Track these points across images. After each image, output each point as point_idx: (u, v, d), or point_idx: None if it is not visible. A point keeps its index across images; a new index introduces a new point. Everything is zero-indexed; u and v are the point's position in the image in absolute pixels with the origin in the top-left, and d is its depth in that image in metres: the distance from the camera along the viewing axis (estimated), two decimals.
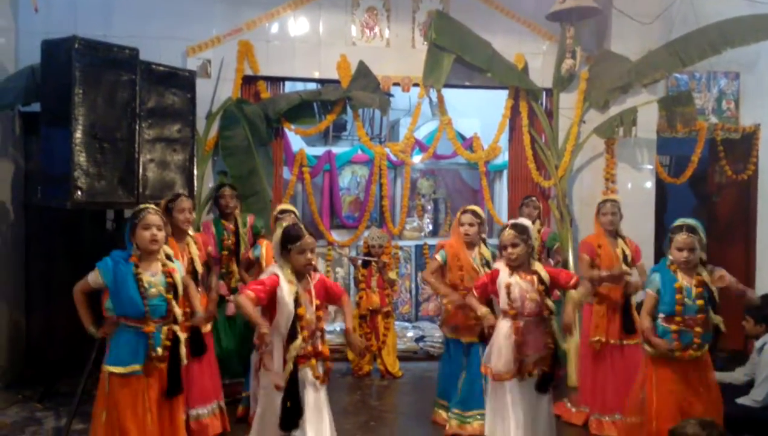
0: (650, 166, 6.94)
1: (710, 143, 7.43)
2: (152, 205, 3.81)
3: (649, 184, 6.95)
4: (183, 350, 3.74)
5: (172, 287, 3.71)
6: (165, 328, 3.66)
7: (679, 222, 4.06)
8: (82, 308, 3.69)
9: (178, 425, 3.84)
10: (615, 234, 5.22)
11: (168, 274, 3.72)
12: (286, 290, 3.59)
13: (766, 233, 7.43)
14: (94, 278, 3.61)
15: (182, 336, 3.77)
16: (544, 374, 4.04)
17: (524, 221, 4.22)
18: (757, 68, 7.34)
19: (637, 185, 6.93)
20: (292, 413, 3.53)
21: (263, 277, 3.71)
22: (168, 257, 3.80)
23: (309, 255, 3.64)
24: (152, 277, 3.67)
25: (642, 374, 4.20)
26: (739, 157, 7.45)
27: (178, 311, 3.72)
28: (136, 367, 3.57)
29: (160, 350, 3.62)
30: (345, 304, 3.91)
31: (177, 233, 4.61)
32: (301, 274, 3.69)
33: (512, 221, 4.26)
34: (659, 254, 6.68)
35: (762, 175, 7.41)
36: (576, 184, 7.10)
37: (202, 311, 4.15)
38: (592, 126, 6.87)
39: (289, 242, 3.64)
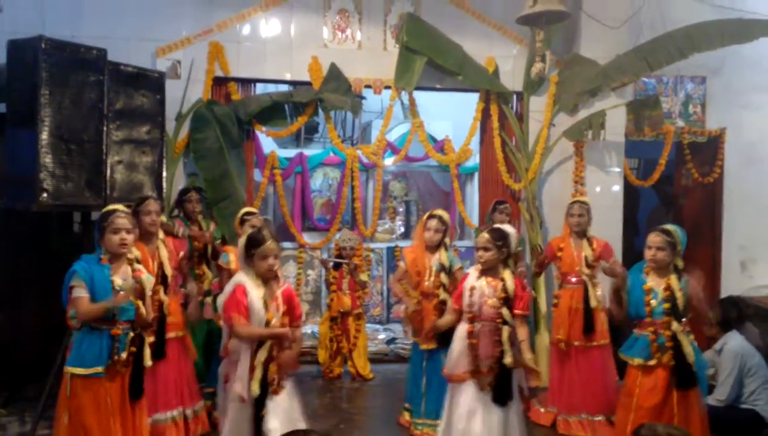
0: (618, 169, 7.02)
1: (677, 147, 7.54)
2: (121, 207, 3.75)
3: (617, 187, 7.02)
4: (147, 352, 3.72)
5: (140, 292, 3.68)
6: (131, 333, 3.63)
7: (660, 226, 4.16)
8: (96, 312, 3.51)
9: (143, 427, 3.80)
10: (582, 235, 5.32)
11: (137, 279, 3.69)
12: (255, 296, 3.62)
13: (731, 236, 7.56)
14: (79, 285, 3.50)
15: (147, 339, 3.75)
16: (498, 387, 3.99)
17: (506, 228, 4.22)
18: (723, 72, 7.45)
19: (606, 188, 7.00)
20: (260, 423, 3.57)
21: (228, 288, 3.72)
22: (137, 261, 3.79)
23: (271, 261, 3.65)
24: (123, 280, 3.64)
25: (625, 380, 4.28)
26: (706, 161, 7.56)
27: (144, 313, 3.69)
28: (99, 369, 3.53)
29: (124, 355, 3.59)
30: (298, 328, 3.86)
31: (145, 236, 4.57)
32: (265, 280, 3.70)
33: (496, 226, 4.29)
34: (627, 255, 6.82)
35: (728, 178, 7.54)
36: (546, 187, 7.15)
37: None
38: (562, 129, 6.93)
39: (252, 247, 3.66)
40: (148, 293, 3.77)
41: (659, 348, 4.02)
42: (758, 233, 7.49)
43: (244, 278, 3.67)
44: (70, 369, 3.55)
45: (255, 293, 3.62)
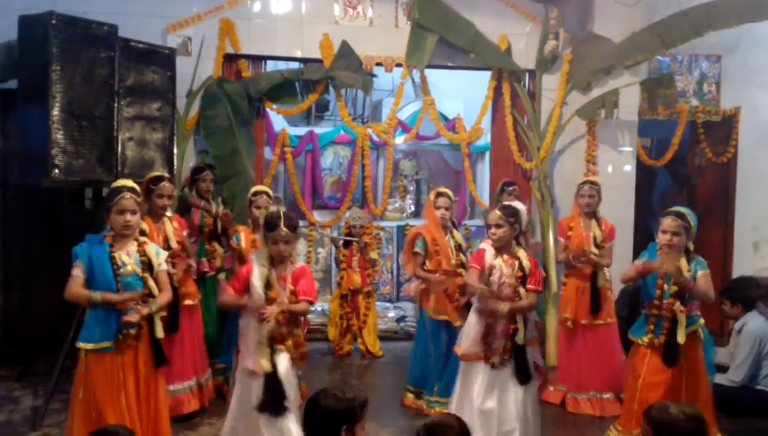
0: (631, 148, 6.97)
1: (691, 126, 7.47)
2: (128, 186, 3.73)
3: (630, 167, 6.97)
4: (159, 324, 3.75)
5: (147, 265, 3.71)
6: (140, 306, 3.65)
7: (672, 209, 4.11)
8: (79, 296, 3.59)
9: (161, 402, 3.82)
10: (591, 215, 5.30)
11: (142, 252, 3.72)
12: (257, 274, 3.73)
13: (744, 216, 7.51)
14: (77, 266, 3.58)
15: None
16: (518, 367, 3.99)
17: (516, 204, 4.19)
18: (738, 51, 7.36)
19: (618, 167, 6.96)
20: (275, 396, 3.61)
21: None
22: (142, 233, 3.83)
23: (281, 247, 3.73)
24: (127, 256, 3.68)
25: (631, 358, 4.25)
26: (720, 140, 7.49)
27: (154, 287, 3.72)
28: (107, 343, 3.57)
29: (133, 330, 3.61)
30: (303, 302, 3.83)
31: (153, 214, 4.60)
32: (277, 260, 3.77)
33: (505, 203, 4.28)
34: (639, 235, 6.79)
35: (741, 158, 7.47)
36: (557, 166, 7.10)
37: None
38: (575, 108, 6.86)
39: (267, 230, 3.75)
40: (159, 266, 3.78)
41: (656, 327, 4.03)
42: None
43: (255, 256, 3.81)
44: (81, 344, 3.60)
45: (257, 272, 3.73)
